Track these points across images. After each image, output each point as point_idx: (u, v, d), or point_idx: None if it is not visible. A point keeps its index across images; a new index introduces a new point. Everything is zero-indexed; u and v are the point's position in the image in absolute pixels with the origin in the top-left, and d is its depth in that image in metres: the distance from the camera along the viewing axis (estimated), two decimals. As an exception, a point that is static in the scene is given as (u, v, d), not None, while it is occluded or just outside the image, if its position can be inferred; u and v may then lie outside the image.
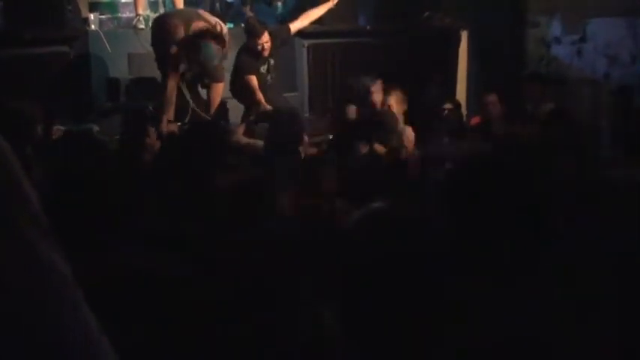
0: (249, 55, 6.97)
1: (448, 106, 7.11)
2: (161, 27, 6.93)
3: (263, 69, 7.05)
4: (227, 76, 7.21)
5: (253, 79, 6.89)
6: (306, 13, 7.30)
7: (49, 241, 0.74)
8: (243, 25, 7.25)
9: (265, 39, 6.87)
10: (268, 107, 6.70)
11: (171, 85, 6.91)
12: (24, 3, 7.16)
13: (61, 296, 0.72)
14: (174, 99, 7.01)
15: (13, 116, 4.60)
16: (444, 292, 1.48)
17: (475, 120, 7.30)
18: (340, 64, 8.08)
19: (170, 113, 7.07)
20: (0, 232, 0.70)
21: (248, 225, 2.67)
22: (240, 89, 7.11)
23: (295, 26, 7.23)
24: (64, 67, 7.45)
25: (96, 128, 6.76)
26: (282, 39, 7.17)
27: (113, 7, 8.55)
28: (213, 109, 7.26)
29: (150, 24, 7.56)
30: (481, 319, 1.54)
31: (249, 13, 8.24)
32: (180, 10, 7.49)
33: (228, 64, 7.21)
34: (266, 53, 6.95)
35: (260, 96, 6.87)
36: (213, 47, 6.65)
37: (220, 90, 7.23)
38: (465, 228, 1.71)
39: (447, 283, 1.49)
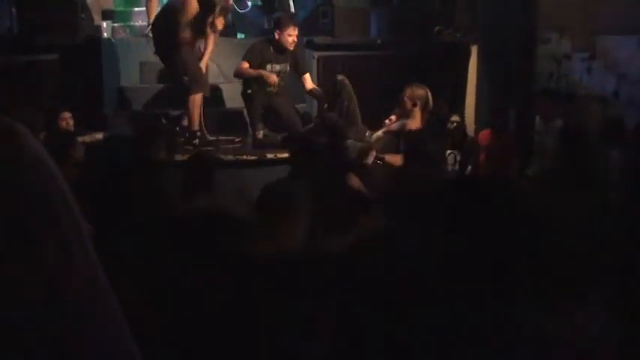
0: (272, 45, 7.12)
1: (455, 119, 7.14)
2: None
3: (281, 67, 7.17)
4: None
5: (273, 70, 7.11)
6: None
7: (92, 253, 0.75)
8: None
9: (294, 32, 7.09)
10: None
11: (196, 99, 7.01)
12: (37, 10, 7.22)
13: (100, 307, 0.74)
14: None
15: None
16: (442, 315, 1.45)
17: (484, 134, 7.31)
18: (350, 77, 8.10)
19: (195, 122, 7.11)
20: (53, 243, 0.71)
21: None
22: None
23: None
24: (76, 75, 7.50)
25: (105, 135, 6.79)
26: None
27: (126, 16, 8.61)
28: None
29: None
30: (482, 340, 1.53)
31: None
32: None
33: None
34: (291, 47, 7.12)
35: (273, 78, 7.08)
36: None
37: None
38: (463, 248, 1.69)
39: (446, 306, 1.47)
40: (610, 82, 7.39)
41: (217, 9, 6.88)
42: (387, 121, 6.63)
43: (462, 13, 8.54)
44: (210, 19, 6.92)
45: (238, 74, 7.17)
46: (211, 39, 7.18)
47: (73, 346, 0.71)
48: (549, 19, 7.89)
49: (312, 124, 7.12)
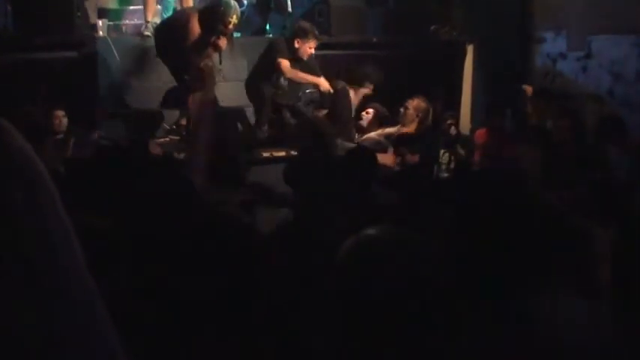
0: (288, 50, 7.03)
1: (451, 121, 7.17)
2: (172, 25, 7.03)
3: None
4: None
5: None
6: None
7: (79, 251, 0.76)
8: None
9: (315, 45, 7.10)
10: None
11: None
12: (33, 8, 7.20)
13: (85, 303, 0.74)
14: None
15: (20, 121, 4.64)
16: (441, 322, 1.44)
17: (480, 133, 7.32)
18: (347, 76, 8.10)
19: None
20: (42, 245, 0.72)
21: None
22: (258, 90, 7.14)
23: None
24: (72, 73, 7.47)
25: (101, 134, 6.79)
26: None
27: (120, 14, 8.59)
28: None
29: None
30: (480, 348, 1.52)
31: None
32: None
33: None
34: (306, 59, 7.12)
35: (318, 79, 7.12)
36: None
37: None
38: (465, 255, 1.68)
39: (445, 313, 1.46)
40: (605, 82, 7.41)
41: (219, 29, 6.75)
42: (363, 113, 7.31)
43: (458, 12, 8.55)
44: (212, 40, 6.83)
45: (295, 77, 7.07)
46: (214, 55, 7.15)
47: (56, 338, 0.72)
48: (544, 18, 7.91)
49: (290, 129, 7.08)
